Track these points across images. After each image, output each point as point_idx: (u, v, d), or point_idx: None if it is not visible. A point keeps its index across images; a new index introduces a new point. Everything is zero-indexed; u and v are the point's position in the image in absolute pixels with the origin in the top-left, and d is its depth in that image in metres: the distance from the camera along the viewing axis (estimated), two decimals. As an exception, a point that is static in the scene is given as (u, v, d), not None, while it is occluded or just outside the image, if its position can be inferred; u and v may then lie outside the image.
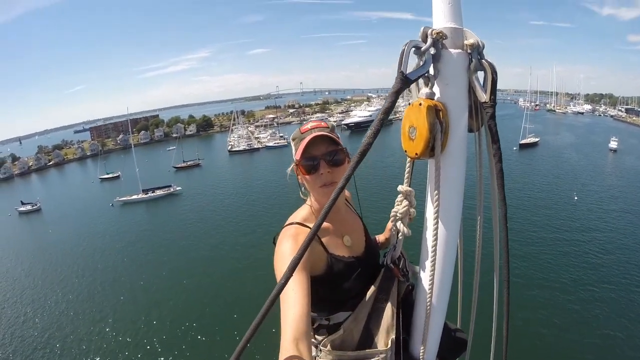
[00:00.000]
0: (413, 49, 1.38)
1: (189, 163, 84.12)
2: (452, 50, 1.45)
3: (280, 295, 1.51)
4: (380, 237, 2.66)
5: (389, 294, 1.99)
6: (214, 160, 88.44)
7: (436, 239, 1.68)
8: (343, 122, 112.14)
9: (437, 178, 1.57)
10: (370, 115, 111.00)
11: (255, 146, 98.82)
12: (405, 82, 1.32)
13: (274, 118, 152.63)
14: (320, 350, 1.98)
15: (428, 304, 1.81)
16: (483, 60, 1.46)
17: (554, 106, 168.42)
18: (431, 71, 1.46)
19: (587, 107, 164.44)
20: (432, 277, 1.76)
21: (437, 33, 1.38)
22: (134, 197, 59.64)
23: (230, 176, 70.48)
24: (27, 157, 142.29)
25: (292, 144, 2.02)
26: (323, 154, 1.89)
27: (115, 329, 25.82)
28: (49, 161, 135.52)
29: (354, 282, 1.97)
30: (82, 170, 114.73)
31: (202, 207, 51.64)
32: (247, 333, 1.26)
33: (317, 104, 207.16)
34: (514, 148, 71.73)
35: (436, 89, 1.52)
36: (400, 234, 1.92)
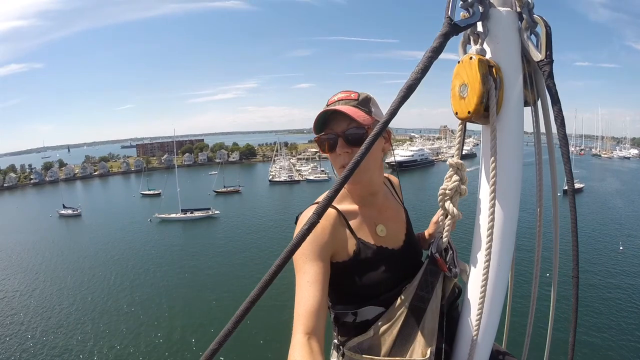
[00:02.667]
0: (460, 1, 1.27)
1: (229, 189, 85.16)
2: (501, 9, 1.37)
3: (297, 284, 1.52)
4: (426, 233, 2.25)
5: (432, 292, 1.68)
6: (254, 188, 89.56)
7: (492, 224, 1.45)
8: (385, 161, 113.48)
9: (494, 145, 1.39)
10: (412, 155, 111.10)
11: (296, 178, 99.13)
12: (453, 27, 1.19)
13: (316, 152, 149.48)
14: (344, 354, 1.73)
15: (479, 311, 1.54)
16: (535, 16, 1.36)
17: (599, 151, 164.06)
18: (479, 28, 1.38)
19: (634, 151, 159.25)
20: (485, 275, 1.49)
21: None
22: (173, 215, 60.83)
23: (269, 205, 70.61)
24: (73, 164, 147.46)
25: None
26: (343, 131, 1.68)
27: (132, 329, 27.49)
28: (94, 171, 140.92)
29: (387, 274, 1.71)
30: (125, 183, 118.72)
31: (238, 232, 52.01)
32: (230, 322, 1.08)
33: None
34: (559, 194, 68.75)
35: (486, 48, 1.40)
36: (449, 216, 1.63)
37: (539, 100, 1.48)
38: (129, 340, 26.48)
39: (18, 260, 47.49)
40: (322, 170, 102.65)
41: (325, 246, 1.60)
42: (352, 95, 1.72)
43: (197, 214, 61.37)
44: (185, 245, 47.67)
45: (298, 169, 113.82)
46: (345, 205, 1.78)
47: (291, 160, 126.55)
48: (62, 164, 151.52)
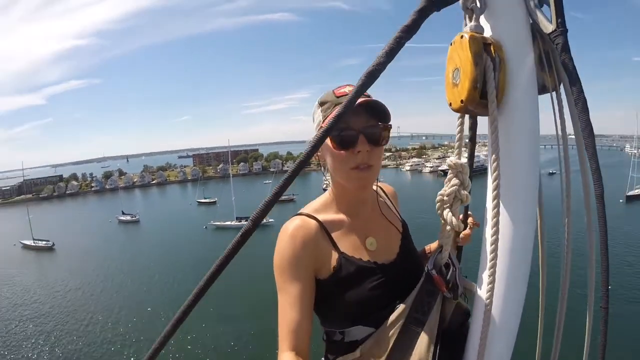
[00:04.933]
0: None
1: (283, 197, 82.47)
2: None
3: (279, 303, 1.50)
4: (432, 246, 1.99)
5: (429, 314, 1.46)
6: (308, 197, 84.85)
7: (497, 237, 1.18)
8: (440, 168, 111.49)
9: (495, 140, 1.14)
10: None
11: None
12: (432, 2, 1.01)
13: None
14: None
15: (481, 341, 1.26)
16: None
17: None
18: (477, 3, 1.15)
19: None
20: (489, 300, 1.22)
21: None
22: (228, 223, 62.65)
23: None
24: (132, 173, 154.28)
25: (320, 109, 1.63)
26: (364, 127, 1.51)
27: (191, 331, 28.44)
28: (152, 180, 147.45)
29: (376, 291, 1.54)
30: (181, 192, 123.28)
31: None
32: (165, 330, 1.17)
33: (413, 148, 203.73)
34: (620, 200, 64.45)
35: (486, 24, 1.18)
36: (448, 227, 1.37)
37: (562, 85, 1.18)
38: (195, 341, 27.60)
39: (80, 262, 52.29)
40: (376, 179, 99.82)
41: (306, 263, 1.53)
42: None
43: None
44: (240, 252, 47.54)
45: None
46: (328, 215, 1.67)
47: None
48: (121, 173, 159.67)
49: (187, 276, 39.69)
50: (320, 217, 1.63)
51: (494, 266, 1.17)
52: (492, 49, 1.11)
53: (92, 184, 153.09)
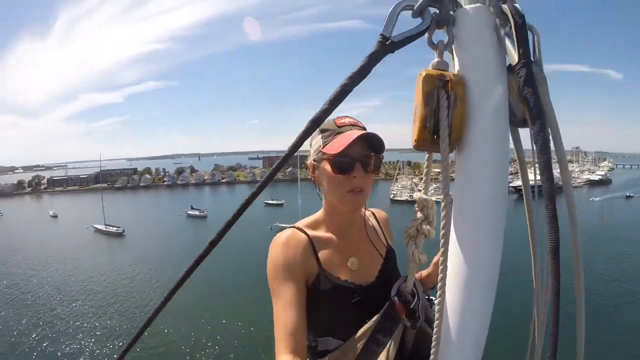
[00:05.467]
0: (404, 10, 1.05)
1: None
2: (469, 7, 1.07)
3: (274, 308, 1.58)
4: (423, 273, 2.04)
5: (390, 338, 1.56)
6: (375, 205, 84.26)
7: (444, 282, 1.13)
8: (511, 185, 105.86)
9: (445, 179, 1.12)
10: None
11: None
12: (385, 45, 1.02)
13: (439, 172, 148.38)
14: None
15: None
16: (504, 5, 1.03)
17: None
18: (444, 38, 1.10)
19: None
20: (437, 342, 1.14)
21: None
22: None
23: (393, 224, 68.31)
24: (203, 171, 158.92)
25: (321, 135, 1.71)
26: (360, 156, 1.63)
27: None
28: (222, 178, 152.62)
29: (347, 309, 1.67)
30: (249, 192, 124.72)
31: None
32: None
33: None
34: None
35: (455, 58, 1.14)
36: (411, 259, 1.43)
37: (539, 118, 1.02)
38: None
39: (147, 250, 56.22)
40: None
41: (297, 269, 1.63)
42: (359, 122, 1.76)
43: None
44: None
45: (419, 189, 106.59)
46: (317, 232, 1.79)
47: (413, 180, 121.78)
48: (193, 170, 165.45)
49: (247, 272, 40.81)
50: (310, 232, 1.75)
51: (441, 307, 1.13)
52: (449, 85, 1.05)
53: (165, 179, 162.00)
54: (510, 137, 1.10)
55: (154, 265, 47.17)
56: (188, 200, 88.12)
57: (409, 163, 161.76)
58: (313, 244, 1.71)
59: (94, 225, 76.01)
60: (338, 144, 1.60)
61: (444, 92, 1.03)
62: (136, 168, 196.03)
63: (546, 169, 0.95)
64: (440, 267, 1.11)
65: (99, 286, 42.74)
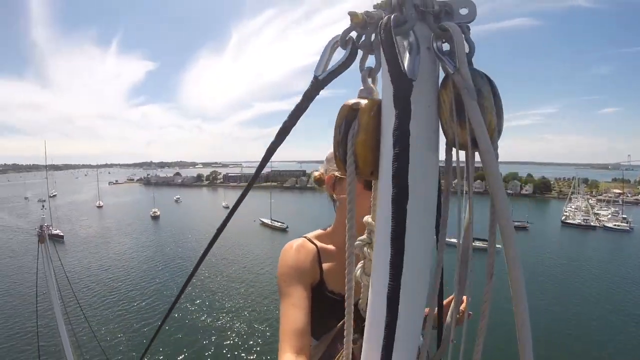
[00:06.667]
0: (334, 44, 1.07)
1: (516, 223, 74.34)
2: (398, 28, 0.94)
3: (281, 308, 1.66)
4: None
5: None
6: (544, 227, 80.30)
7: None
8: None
9: (351, 213, 1.09)
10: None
11: (592, 223, 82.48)
12: (315, 84, 1.05)
13: (620, 194, 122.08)
14: None
15: None
16: (434, 23, 0.96)
17: None
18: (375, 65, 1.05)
19: None
20: None
21: (357, 15, 1.01)
22: (452, 240, 59.64)
23: (558, 249, 61.64)
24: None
25: (329, 164, 1.94)
26: None
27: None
28: None
29: (330, 319, 1.77)
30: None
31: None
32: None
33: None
34: None
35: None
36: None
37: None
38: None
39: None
40: (624, 218, 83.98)
41: (306, 274, 1.76)
42: None
43: (477, 243, 57.53)
44: None
45: (596, 212, 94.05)
46: (325, 245, 1.90)
47: (589, 201, 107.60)
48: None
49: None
50: (318, 244, 1.89)
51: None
52: (359, 114, 1.00)
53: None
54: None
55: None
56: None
57: (585, 181, 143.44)
58: (319, 255, 1.85)
59: (261, 219, 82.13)
60: None
61: (355, 121, 1.01)
62: (305, 170, 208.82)
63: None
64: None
65: (255, 276, 46.00)
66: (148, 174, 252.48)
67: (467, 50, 0.95)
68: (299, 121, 1.07)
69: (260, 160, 1.19)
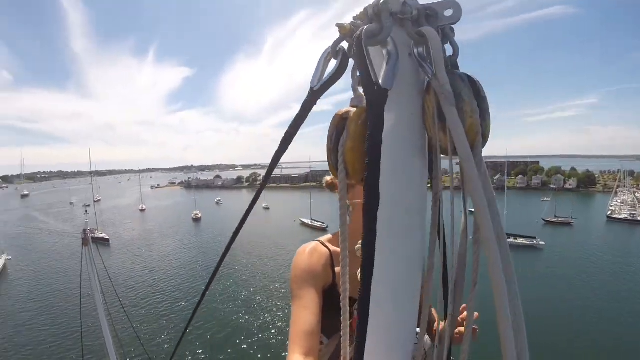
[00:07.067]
0: (327, 56, 1.09)
1: (560, 219, 75.13)
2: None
3: (292, 310, 1.70)
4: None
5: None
6: (589, 222, 77.29)
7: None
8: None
9: (343, 217, 1.09)
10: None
11: (639, 218, 77.58)
12: (310, 93, 1.08)
13: None
14: None
15: None
16: (413, 28, 0.96)
17: None
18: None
19: None
20: None
21: (344, 26, 1.04)
22: None
23: (603, 245, 58.59)
24: None
25: None
26: None
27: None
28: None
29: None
30: (455, 199, 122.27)
31: (564, 266, 46.48)
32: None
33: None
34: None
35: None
36: None
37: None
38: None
39: None
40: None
41: (318, 277, 1.79)
42: None
43: (520, 240, 56.50)
44: None
45: None
46: (338, 249, 1.89)
47: (636, 195, 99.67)
48: None
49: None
50: (331, 247, 1.92)
51: None
52: (348, 123, 1.01)
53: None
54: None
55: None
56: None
57: (631, 173, 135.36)
58: (332, 258, 1.88)
59: (301, 219, 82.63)
60: None
61: (345, 129, 1.03)
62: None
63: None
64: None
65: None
66: (189, 178, 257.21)
67: (451, 52, 0.97)
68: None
69: (271, 163, 1.25)
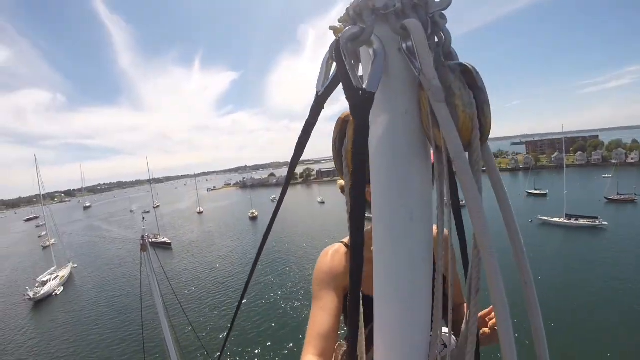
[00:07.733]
0: (328, 59, 1.02)
1: (623, 197, 70.07)
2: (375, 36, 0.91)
3: (311, 310, 1.72)
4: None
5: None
6: None
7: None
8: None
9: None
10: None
11: None
12: (316, 99, 1.02)
13: None
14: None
15: None
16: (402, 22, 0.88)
17: None
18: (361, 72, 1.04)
19: None
20: None
21: (337, 29, 1.04)
22: (555, 219, 55.14)
23: None
24: None
25: None
26: None
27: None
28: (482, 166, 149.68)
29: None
30: (512, 180, 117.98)
31: (629, 248, 42.62)
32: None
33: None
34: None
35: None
36: None
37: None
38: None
39: None
40: None
41: (339, 279, 1.79)
42: None
43: (582, 221, 53.24)
44: (567, 255, 42.27)
45: None
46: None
47: None
48: None
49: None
50: None
51: None
52: (348, 126, 1.00)
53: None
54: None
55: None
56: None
57: None
58: None
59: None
60: None
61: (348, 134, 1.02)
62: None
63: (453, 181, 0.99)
64: None
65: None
66: (244, 178, 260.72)
67: (443, 40, 0.91)
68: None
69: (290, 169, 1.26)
